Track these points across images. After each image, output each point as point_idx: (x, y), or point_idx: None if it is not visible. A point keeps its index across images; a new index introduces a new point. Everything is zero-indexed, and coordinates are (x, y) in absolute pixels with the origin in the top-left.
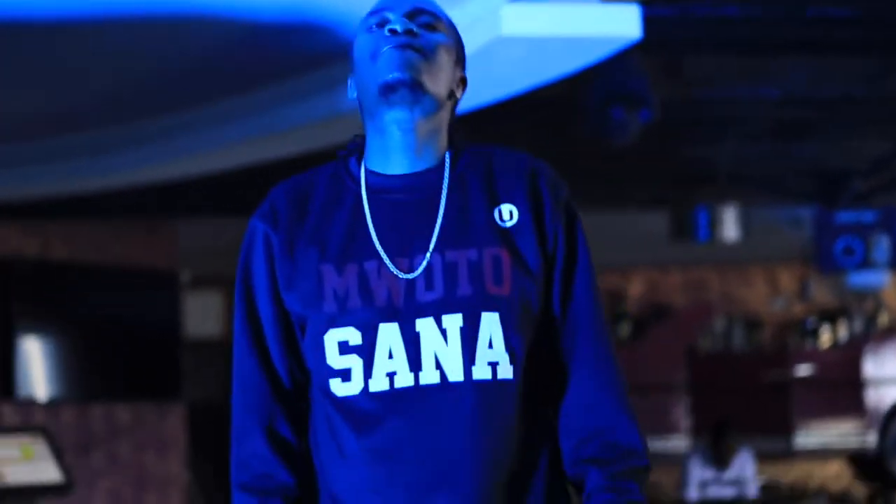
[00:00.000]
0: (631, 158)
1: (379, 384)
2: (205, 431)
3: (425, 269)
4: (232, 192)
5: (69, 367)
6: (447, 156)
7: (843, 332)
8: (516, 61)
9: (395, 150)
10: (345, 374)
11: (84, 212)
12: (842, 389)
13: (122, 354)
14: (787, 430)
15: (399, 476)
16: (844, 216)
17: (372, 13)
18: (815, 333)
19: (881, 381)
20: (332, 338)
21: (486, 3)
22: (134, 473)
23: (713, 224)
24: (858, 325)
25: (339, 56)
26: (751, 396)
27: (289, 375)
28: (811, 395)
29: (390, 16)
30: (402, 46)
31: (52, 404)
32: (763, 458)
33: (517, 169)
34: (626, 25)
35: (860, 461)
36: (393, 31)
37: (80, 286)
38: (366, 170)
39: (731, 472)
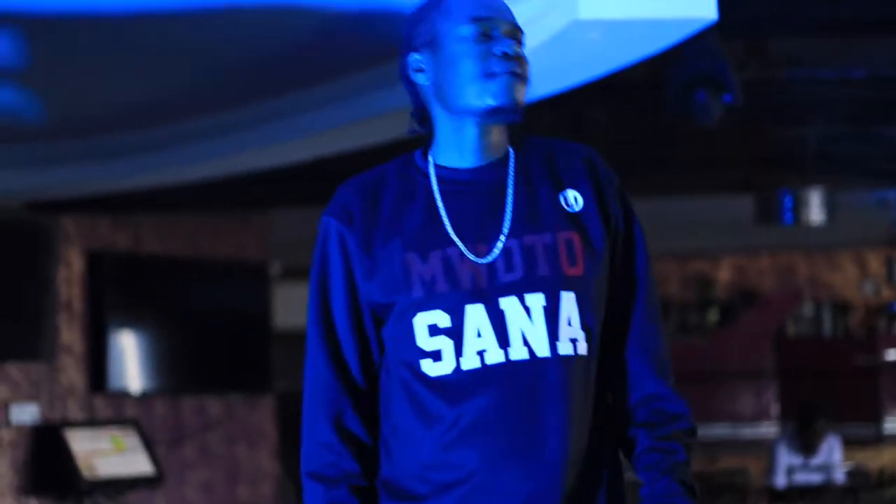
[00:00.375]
0: (716, 142)
1: (470, 362)
2: (294, 424)
3: (503, 252)
4: (323, 182)
5: (160, 359)
6: (510, 149)
7: None
8: (594, 45)
9: (469, 147)
10: (436, 355)
11: (174, 204)
12: None
13: (212, 347)
14: (876, 416)
15: (487, 443)
16: None
17: (473, 19)
18: None
19: None
20: (422, 321)
21: None
22: (225, 466)
23: (798, 207)
24: None
25: None
26: (840, 381)
27: (362, 369)
28: None
29: (495, 31)
30: (514, 74)
31: (144, 397)
32: (851, 443)
33: (576, 157)
34: (703, 7)
35: None
36: (506, 56)
37: (171, 279)
38: (434, 164)
39: (818, 459)
